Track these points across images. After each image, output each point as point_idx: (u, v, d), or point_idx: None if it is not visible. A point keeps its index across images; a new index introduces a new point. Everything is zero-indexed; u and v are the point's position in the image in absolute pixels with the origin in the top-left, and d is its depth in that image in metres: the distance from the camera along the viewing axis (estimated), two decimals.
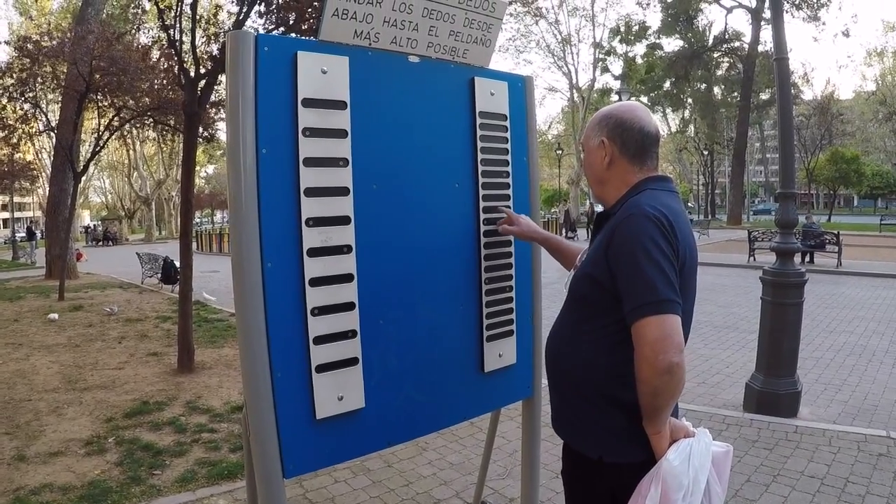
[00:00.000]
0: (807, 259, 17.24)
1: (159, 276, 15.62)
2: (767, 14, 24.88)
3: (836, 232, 17.60)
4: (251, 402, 1.98)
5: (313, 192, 2.03)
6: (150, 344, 8.87)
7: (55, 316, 11.67)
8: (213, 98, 7.36)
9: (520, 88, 2.77)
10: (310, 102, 2.04)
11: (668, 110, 53.45)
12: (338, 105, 2.10)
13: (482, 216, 2.56)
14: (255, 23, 8.70)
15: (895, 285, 13.97)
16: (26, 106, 14.68)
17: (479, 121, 2.56)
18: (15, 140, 15.00)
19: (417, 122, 2.37)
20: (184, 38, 6.89)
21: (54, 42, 12.94)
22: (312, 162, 2.03)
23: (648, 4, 44.17)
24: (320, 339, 2.06)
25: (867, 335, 8.87)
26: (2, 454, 4.81)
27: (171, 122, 12.30)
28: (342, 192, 2.10)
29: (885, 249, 22.65)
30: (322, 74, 2.07)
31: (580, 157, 43.55)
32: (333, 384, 2.10)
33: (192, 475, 4.36)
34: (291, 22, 6.54)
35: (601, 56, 47.65)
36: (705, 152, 54.32)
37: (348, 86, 2.13)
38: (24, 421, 5.60)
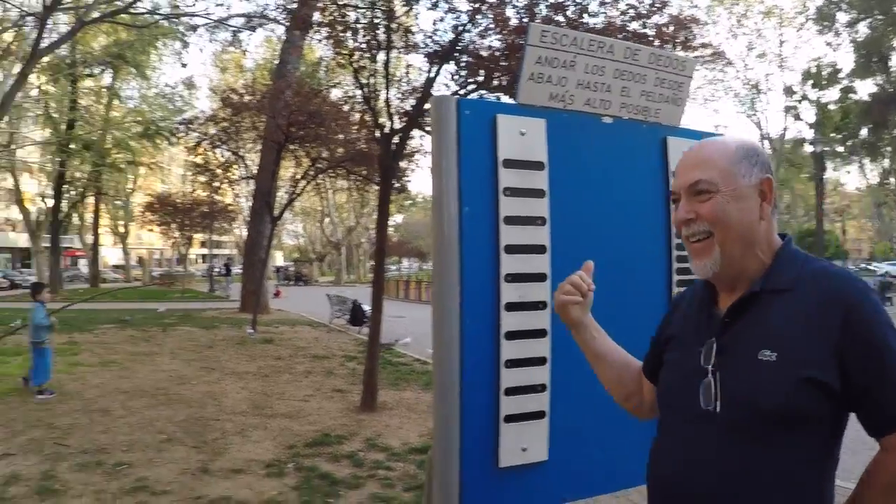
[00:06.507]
0: None
1: (347, 317, 16.40)
2: None
3: None
4: (438, 445, 2.08)
5: (513, 249, 2.12)
6: (335, 381, 9.24)
7: (251, 330, 12.71)
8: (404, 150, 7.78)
9: None
10: (510, 163, 2.14)
11: (866, 160, 49.00)
12: (536, 166, 2.19)
13: (675, 278, 2.52)
14: (446, 80, 9.12)
15: None
16: (227, 154, 16.31)
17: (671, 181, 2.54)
18: (217, 184, 16.61)
19: (611, 183, 2.40)
20: (378, 96, 7.37)
21: (256, 96, 14.26)
22: (512, 220, 2.13)
23: (840, 45, 40.92)
24: (511, 391, 2.12)
25: None
26: (188, 464, 5.26)
27: (364, 173, 13.00)
28: (540, 249, 2.18)
29: None
30: (521, 136, 2.18)
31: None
32: (519, 435, 2.15)
33: None
34: (481, 79, 6.77)
35: (793, 102, 44.61)
36: None
37: (546, 147, 2.22)
38: (211, 438, 6.06)
